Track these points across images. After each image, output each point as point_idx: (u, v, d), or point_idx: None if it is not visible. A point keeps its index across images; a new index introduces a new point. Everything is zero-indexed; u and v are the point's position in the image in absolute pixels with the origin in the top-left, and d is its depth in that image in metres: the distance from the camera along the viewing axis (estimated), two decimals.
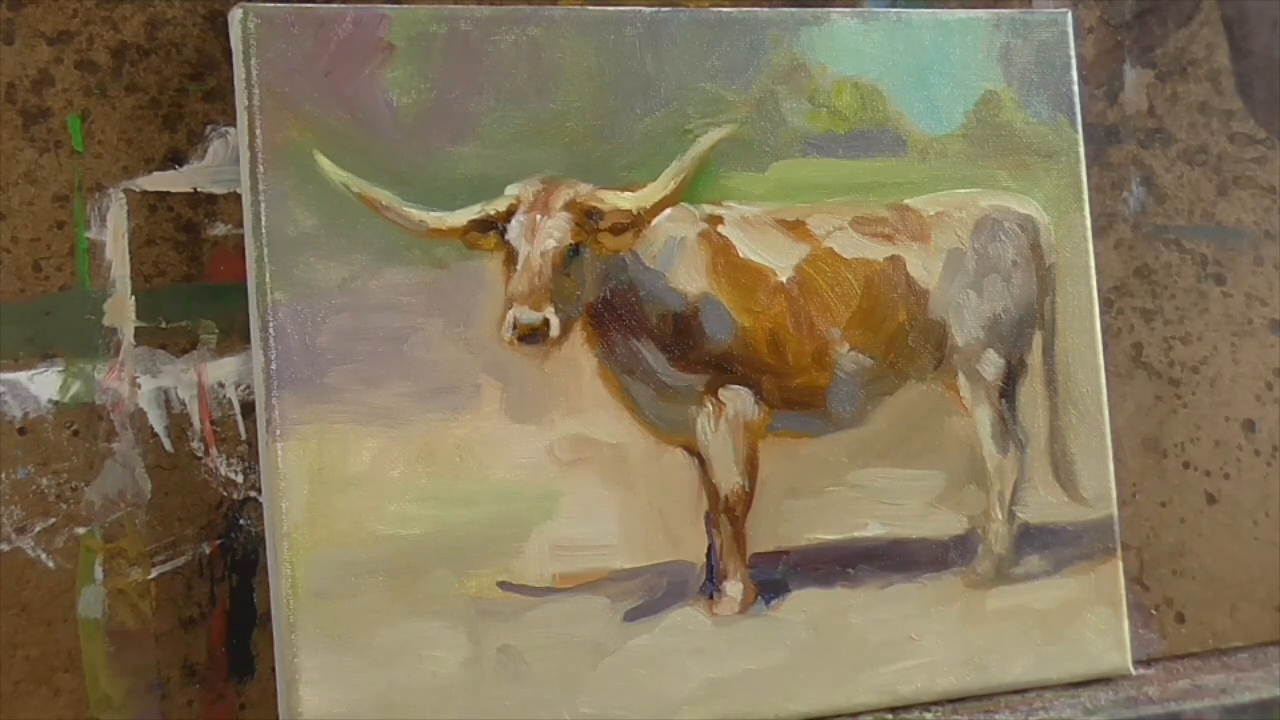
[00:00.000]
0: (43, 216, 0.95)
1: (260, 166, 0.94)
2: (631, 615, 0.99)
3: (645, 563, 1.00)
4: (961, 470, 1.08)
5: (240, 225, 0.97)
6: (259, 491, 0.98)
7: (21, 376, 0.94)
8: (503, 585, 0.97)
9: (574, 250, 0.99)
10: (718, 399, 1.02)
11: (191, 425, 0.98)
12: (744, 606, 1.02)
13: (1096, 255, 1.14)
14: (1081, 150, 1.12)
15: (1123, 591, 1.11)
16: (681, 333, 1.01)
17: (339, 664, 0.93)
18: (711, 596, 1.01)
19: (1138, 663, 1.13)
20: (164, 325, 0.97)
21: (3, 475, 0.94)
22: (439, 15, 0.98)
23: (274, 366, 0.93)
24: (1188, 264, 1.22)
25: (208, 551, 0.97)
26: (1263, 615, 1.22)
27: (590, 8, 1.02)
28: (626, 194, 1.01)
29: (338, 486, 0.94)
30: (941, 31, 1.09)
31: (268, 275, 0.94)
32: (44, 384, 0.95)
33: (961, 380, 1.08)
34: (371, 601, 0.94)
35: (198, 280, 0.98)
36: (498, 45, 0.99)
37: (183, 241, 0.98)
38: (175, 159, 0.98)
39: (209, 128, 0.98)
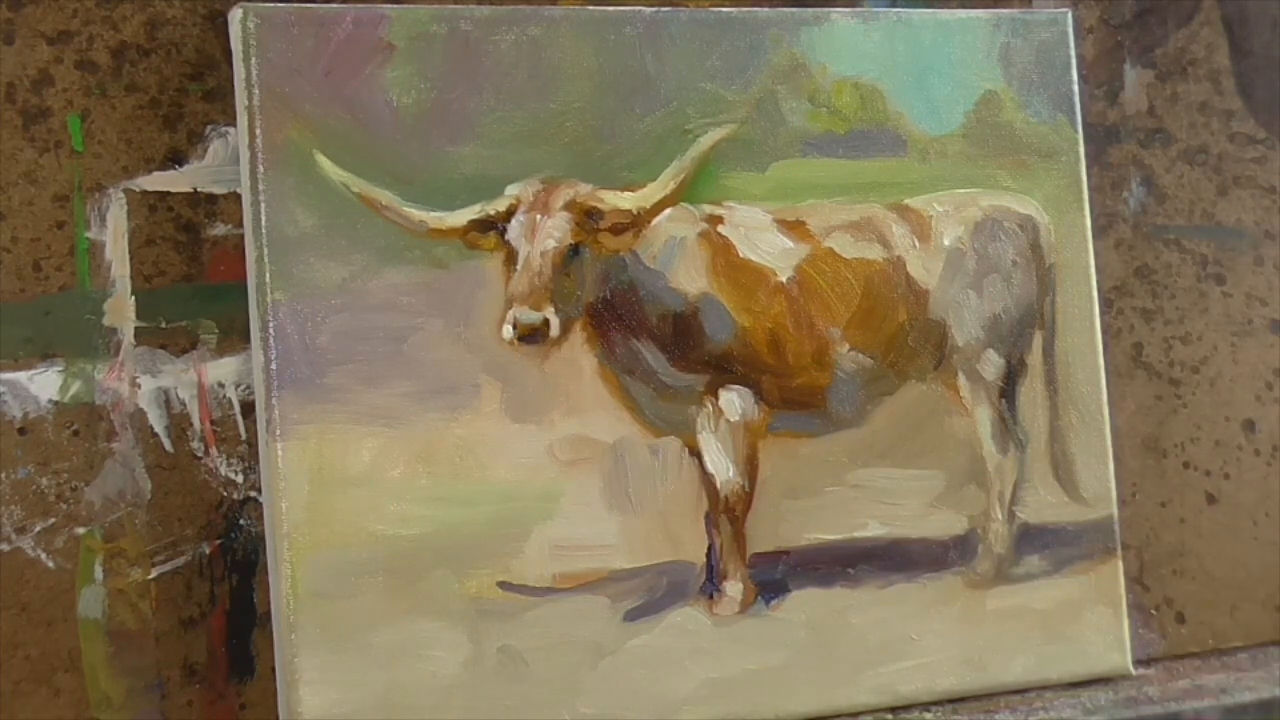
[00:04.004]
0: (43, 216, 0.95)
1: (260, 166, 0.94)
2: (631, 615, 0.99)
3: (645, 563, 1.00)
4: (961, 470, 1.08)
5: (240, 225, 0.97)
6: (259, 491, 0.98)
7: (21, 376, 0.95)
8: (502, 585, 0.97)
9: (574, 250, 0.99)
10: (717, 399, 1.02)
11: (191, 425, 0.98)
12: (744, 606, 1.02)
13: (1096, 255, 1.14)
14: (1081, 150, 1.12)
15: (1123, 591, 1.11)
16: (681, 333, 1.01)
17: (339, 664, 0.93)
18: (711, 596, 1.01)
19: (1138, 663, 1.13)
20: (164, 325, 0.97)
21: (3, 475, 0.94)
22: (439, 15, 0.98)
23: (274, 366, 0.93)
24: (1188, 264, 1.22)
25: (208, 551, 0.97)
26: (1263, 615, 1.22)
27: (590, 8, 1.02)
28: (626, 194, 1.01)
29: (338, 486, 0.94)
30: (941, 31, 1.09)
31: (268, 275, 0.94)
32: (44, 384, 0.95)
33: (961, 380, 1.08)
34: (371, 601, 0.94)
35: (198, 280, 0.98)
36: (498, 45, 0.99)
37: (183, 241, 0.98)
38: (175, 159, 0.98)
39: (209, 128, 0.98)
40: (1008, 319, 1.10)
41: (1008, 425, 1.09)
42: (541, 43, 1.00)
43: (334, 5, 0.97)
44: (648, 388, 1.01)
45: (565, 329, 0.98)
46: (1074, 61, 1.13)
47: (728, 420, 1.02)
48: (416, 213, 0.97)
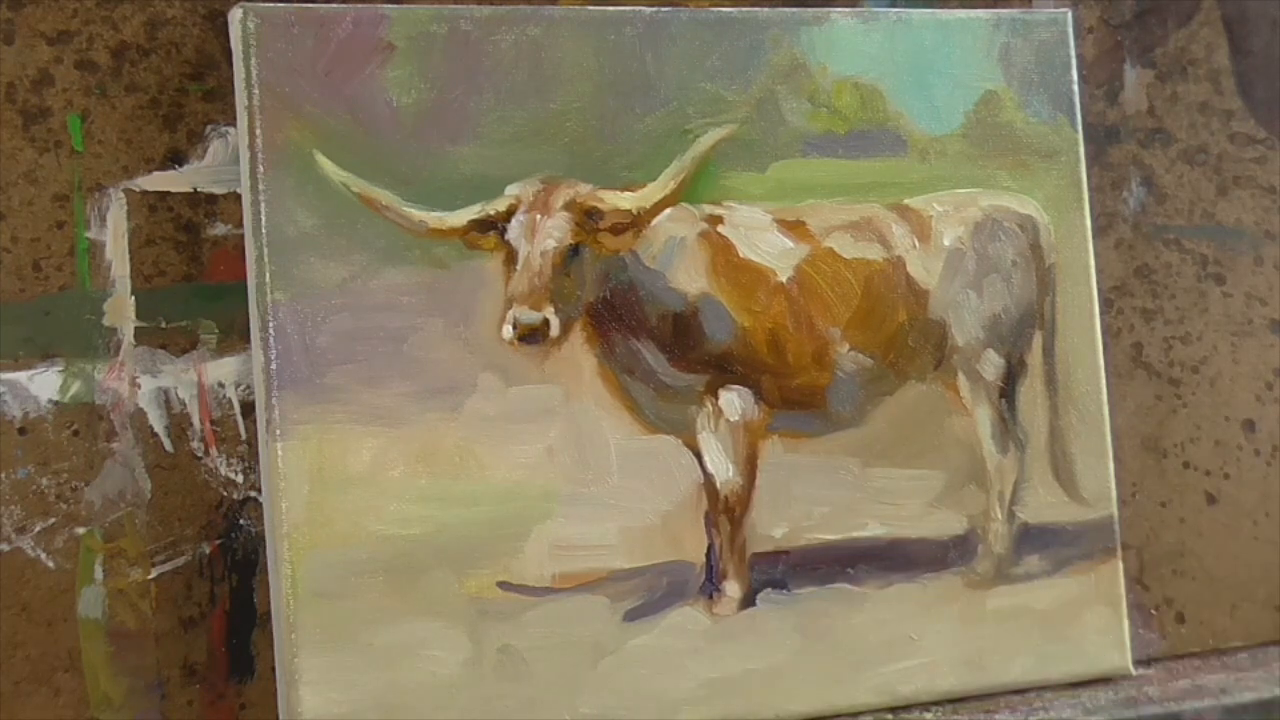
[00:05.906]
0: (43, 216, 0.95)
1: (260, 166, 0.94)
2: (631, 615, 0.99)
3: (645, 563, 1.00)
4: (961, 470, 1.08)
5: (240, 225, 0.97)
6: (259, 491, 0.98)
7: (21, 376, 0.95)
8: (502, 585, 0.97)
9: (574, 250, 0.99)
10: (717, 399, 1.02)
11: (191, 425, 0.98)
12: (743, 606, 1.02)
13: (1096, 255, 1.14)
14: (1081, 150, 1.12)
15: (1123, 591, 1.11)
16: (681, 333, 1.01)
17: (339, 664, 0.93)
18: (711, 596, 1.01)
19: (1138, 663, 1.13)
20: (164, 325, 0.97)
21: (3, 475, 0.94)
22: (439, 15, 0.98)
23: (274, 366, 0.93)
24: (1188, 264, 1.22)
25: (208, 551, 0.97)
26: (1263, 615, 1.22)
27: (590, 8, 1.03)
28: (626, 194, 1.01)
29: (338, 486, 0.94)
30: (941, 31, 1.10)
31: (268, 275, 0.94)
32: (44, 384, 0.95)
33: (961, 380, 1.08)
34: (371, 601, 0.94)
35: (198, 280, 0.98)
36: (498, 45, 0.99)
37: (183, 241, 0.98)
38: (175, 159, 0.98)
39: (209, 128, 0.99)
40: (1008, 319, 1.10)
41: (1007, 425, 1.09)
42: (541, 43, 1.00)
43: (334, 5, 0.97)
44: (647, 387, 1.01)
45: (565, 329, 0.98)
46: (1074, 61, 1.13)
47: (727, 420, 1.02)
48: (416, 213, 0.97)
